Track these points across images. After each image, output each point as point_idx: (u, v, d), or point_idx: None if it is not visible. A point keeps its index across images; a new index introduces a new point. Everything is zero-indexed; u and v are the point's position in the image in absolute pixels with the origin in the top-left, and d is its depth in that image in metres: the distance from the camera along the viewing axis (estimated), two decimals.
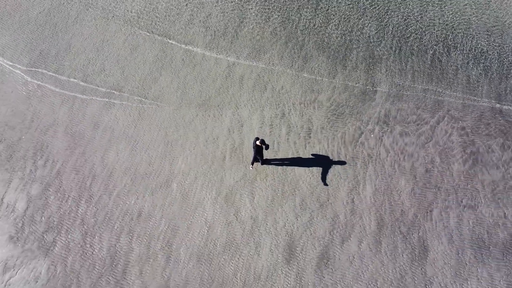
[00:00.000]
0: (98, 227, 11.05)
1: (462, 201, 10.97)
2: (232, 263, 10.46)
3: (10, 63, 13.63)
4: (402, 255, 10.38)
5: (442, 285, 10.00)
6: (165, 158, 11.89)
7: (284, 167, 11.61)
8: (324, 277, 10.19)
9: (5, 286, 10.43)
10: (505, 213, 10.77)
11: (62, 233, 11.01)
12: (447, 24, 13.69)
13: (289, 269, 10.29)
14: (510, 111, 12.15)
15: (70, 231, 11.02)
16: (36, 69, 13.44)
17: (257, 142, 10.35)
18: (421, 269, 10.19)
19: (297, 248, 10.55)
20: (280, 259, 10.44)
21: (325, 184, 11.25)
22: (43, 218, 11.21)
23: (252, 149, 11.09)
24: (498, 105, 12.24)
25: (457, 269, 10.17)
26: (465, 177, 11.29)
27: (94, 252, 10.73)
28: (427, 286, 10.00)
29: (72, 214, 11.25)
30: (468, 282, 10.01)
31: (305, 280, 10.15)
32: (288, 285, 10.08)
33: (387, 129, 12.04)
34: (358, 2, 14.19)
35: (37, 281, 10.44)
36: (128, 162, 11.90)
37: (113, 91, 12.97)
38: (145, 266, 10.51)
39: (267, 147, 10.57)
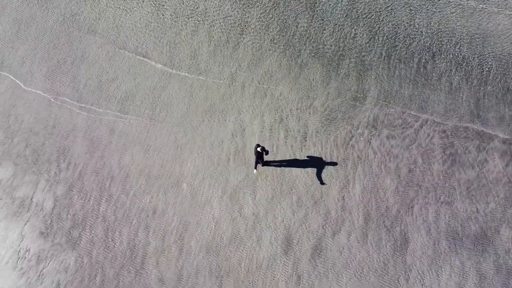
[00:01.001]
0: (118, 223, 12.52)
1: (440, 198, 12.38)
2: (237, 254, 11.96)
3: (35, 67, 14.83)
4: (386, 246, 11.86)
5: (419, 272, 11.52)
6: (176, 161, 13.25)
7: (282, 168, 12.97)
8: (317, 266, 11.70)
9: (39, 275, 11.97)
10: (477, 208, 12.19)
11: (86, 229, 12.49)
12: (433, 33, 14.77)
13: (286, 259, 11.80)
14: (488, 116, 13.39)
15: (93, 227, 12.49)
16: (54, 78, 14.63)
17: (258, 149, 11.69)
18: (402, 258, 11.69)
19: (294, 241, 12.03)
20: (279, 251, 11.93)
21: (322, 183, 12.63)
22: (68, 216, 12.67)
23: (254, 154, 12.43)
24: (476, 110, 13.48)
25: (433, 258, 11.67)
26: (444, 176, 12.66)
27: (115, 246, 12.23)
28: (407, 273, 11.52)
29: (94, 212, 12.70)
30: (443, 269, 11.52)
31: (301, 268, 11.67)
32: (286, 273, 11.61)
33: (375, 132, 13.34)
34: (351, 11, 15.22)
35: (67, 271, 11.98)
36: (142, 164, 13.27)
37: (127, 96, 14.21)
38: (160, 257, 12.02)
39: (267, 152, 11.93)
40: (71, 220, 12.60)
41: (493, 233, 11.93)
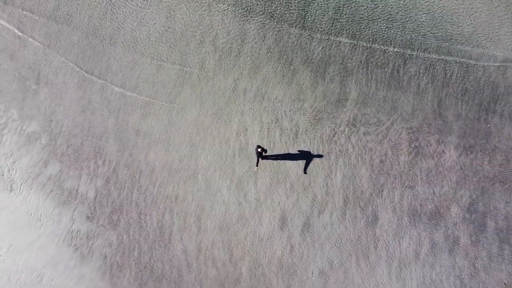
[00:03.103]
0: (148, 208, 15.75)
1: (404, 183, 15.49)
2: (243, 230, 15.27)
3: (67, 77, 17.51)
4: (360, 222, 15.12)
5: (385, 242, 14.85)
6: (191, 156, 16.27)
7: (278, 161, 16.00)
8: (306, 238, 15.03)
9: (89, 250, 15.37)
10: (434, 191, 15.33)
11: (123, 213, 15.75)
12: (406, 40, 17.21)
13: (282, 233, 15.12)
14: (447, 114, 16.18)
15: (128, 212, 15.75)
16: (85, 87, 17.34)
17: (259, 150, 14.66)
18: (372, 231, 14.99)
19: (288, 219, 15.29)
20: (276, 227, 15.23)
21: (306, 173, 15.70)
22: (108, 203, 15.90)
23: (255, 153, 15.42)
24: (438, 109, 16.27)
25: (396, 231, 14.96)
26: (408, 165, 15.70)
27: (147, 226, 15.54)
28: (375, 243, 14.86)
29: (128, 199, 15.91)
30: (403, 240, 14.84)
31: (293, 240, 15.01)
32: (282, 244, 14.98)
33: (354, 129, 16.23)
34: (336, 23, 17.58)
35: (111, 246, 15.37)
36: (164, 160, 16.31)
37: (149, 99, 17.00)
38: (183, 234, 15.35)
39: (265, 151, 14.92)
40: (111, 206, 15.85)
41: (445, 210, 15.15)
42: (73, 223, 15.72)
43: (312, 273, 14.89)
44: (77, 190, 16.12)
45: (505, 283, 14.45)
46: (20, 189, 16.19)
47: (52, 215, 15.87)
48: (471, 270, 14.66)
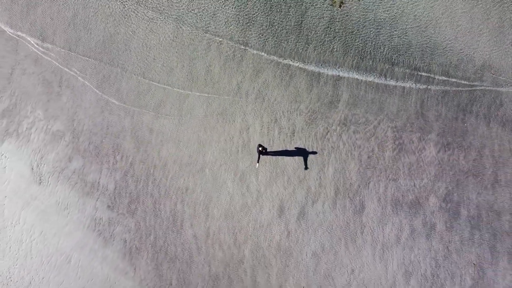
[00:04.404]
0: (162, 198, 17.84)
1: (389, 176, 17.49)
2: (246, 218, 17.38)
3: (87, 83, 19.42)
4: (349, 211, 17.19)
5: (371, 228, 16.95)
6: (199, 152, 18.27)
7: (277, 156, 17.99)
8: (301, 225, 17.13)
9: (111, 235, 17.54)
10: (414, 183, 17.34)
11: (140, 202, 17.86)
12: (393, 46, 18.97)
13: (280, 220, 17.23)
14: (428, 114, 18.06)
15: (144, 202, 17.85)
16: (103, 90, 19.25)
17: (260, 148, 16.62)
18: (359, 218, 17.07)
19: (285, 208, 17.37)
20: (275, 215, 17.32)
21: (308, 168, 17.70)
22: (126, 194, 17.99)
23: (257, 151, 17.39)
24: (420, 110, 18.14)
25: (381, 218, 17.04)
26: (393, 160, 17.67)
27: (161, 214, 17.66)
28: (362, 228, 16.96)
29: (144, 191, 17.99)
30: (386, 226, 16.93)
31: (290, 226, 17.12)
32: (280, 230, 17.10)
33: (345, 128, 18.15)
34: (330, 30, 19.31)
35: (130, 232, 17.52)
36: (175, 155, 18.31)
37: (160, 103, 18.93)
38: (193, 221, 17.48)
39: (266, 149, 16.89)
40: (129, 197, 17.95)
41: (424, 200, 17.18)
42: (96, 212, 17.85)
43: (306, 254, 17.03)
44: (98, 183, 18.19)
45: (474, 264, 16.58)
46: (48, 182, 18.29)
47: (77, 204, 17.99)
48: (445, 253, 16.78)
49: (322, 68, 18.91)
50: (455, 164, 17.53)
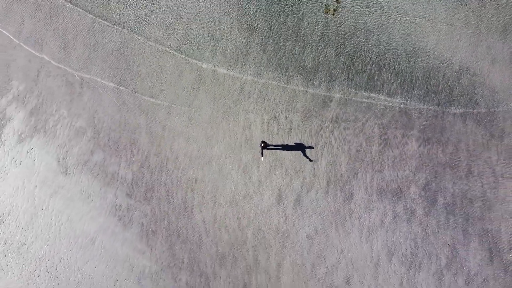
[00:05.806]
0: (174, 187, 20.19)
1: (375, 168, 19.75)
2: (248, 205, 19.73)
3: (105, 82, 21.62)
4: (339, 198, 19.50)
5: (358, 214, 19.28)
6: (207, 147, 20.54)
7: (276, 150, 20.25)
8: (297, 211, 19.48)
9: (129, 220, 19.94)
10: (397, 174, 19.60)
11: (154, 191, 20.22)
12: (381, 50, 21.04)
13: (278, 207, 19.58)
14: (411, 112, 20.22)
15: (159, 190, 20.20)
16: (120, 91, 21.47)
17: (262, 144, 18.86)
18: (348, 205, 19.39)
19: (283, 196, 19.70)
20: (274, 202, 19.66)
21: (310, 160, 19.95)
22: (142, 183, 20.34)
23: (259, 146, 19.63)
24: (404, 108, 20.30)
25: (367, 205, 19.36)
26: (378, 154, 19.90)
27: (174, 201, 20.02)
28: (351, 214, 19.29)
29: (158, 181, 20.33)
30: (372, 212, 19.25)
31: (287, 212, 19.48)
32: (278, 215, 19.47)
33: (337, 125, 20.35)
34: (324, 35, 21.38)
35: (146, 217, 19.92)
36: (185, 149, 20.60)
37: (171, 103, 21.14)
38: (202, 207, 19.84)
39: (267, 144, 19.15)
40: (145, 186, 20.30)
41: (405, 189, 19.46)
42: (116, 199, 20.22)
43: (302, 236, 19.40)
44: (118, 173, 20.53)
45: (448, 244, 18.93)
46: (73, 173, 20.65)
47: (99, 193, 20.37)
48: (423, 235, 19.12)
49: (316, 71, 21.02)
50: (434, 157, 19.75)
